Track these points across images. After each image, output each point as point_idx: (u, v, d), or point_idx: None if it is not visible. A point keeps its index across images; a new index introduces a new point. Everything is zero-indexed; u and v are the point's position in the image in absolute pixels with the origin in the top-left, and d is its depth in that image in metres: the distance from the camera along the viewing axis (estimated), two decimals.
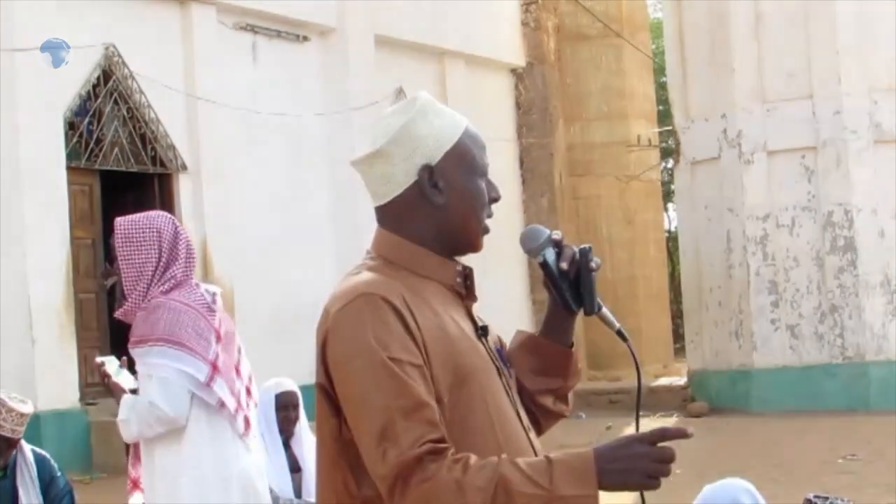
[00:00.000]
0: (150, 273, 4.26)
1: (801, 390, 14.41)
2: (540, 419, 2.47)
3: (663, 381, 18.17)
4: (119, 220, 4.35)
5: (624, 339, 2.36)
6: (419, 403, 2.10)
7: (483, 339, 2.34)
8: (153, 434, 4.21)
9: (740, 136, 14.89)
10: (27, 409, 5.16)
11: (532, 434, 2.33)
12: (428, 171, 2.28)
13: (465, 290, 2.35)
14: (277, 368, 11.67)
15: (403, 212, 2.31)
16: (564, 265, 2.33)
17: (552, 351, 2.44)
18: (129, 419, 4.20)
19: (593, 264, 2.33)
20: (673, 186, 20.28)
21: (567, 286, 2.34)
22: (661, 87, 22.20)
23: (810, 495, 4.10)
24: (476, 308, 2.40)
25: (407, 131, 2.32)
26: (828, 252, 14.53)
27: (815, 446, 11.69)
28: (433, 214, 2.30)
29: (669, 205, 26.21)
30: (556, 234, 2.36)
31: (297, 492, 6.21)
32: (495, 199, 2.36)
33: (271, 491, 6.06)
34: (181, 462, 4.23)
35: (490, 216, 2.36)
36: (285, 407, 6.18)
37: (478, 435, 2.19)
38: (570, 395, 2.54)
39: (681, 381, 16.98)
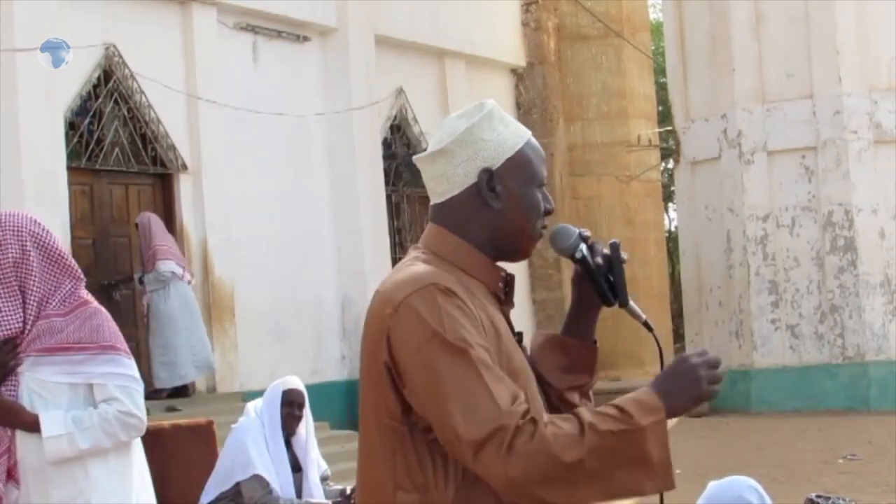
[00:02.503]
0: (12, 279, 3.86)
1: (801, 390, 14.42)
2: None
3: None
4: None
5: (650, 329, 2.47)
6: (502, 375, 2.21)
7: (521, 345, 2.43)
8: (112, 446, 3.91)
9: (740, 136, 14.90)
10: None
11: None
12: (487, 175, 2.36)
13: (504, 296, 2.43)
14: (278, 369, 11.69)
15: (460, 212, 2.37)
16: (599, 260, 2.43)
17: (579, 348, 2.52)
18: (74, 434, 3.84)
19: (623, 257, 2.43)
20: (673, 186, 20.28)
21: (606, 280, 2.44)
22: (661, 87, 22.20)
23: (812, 495, 4.12)
24: None
25: (471, 134, 2.38)
26: (828, 252, 14.54)
27: (815, 446, 11.69)
28: (488, 217, 2.37)
29: (669, 205, 26.21)
30: (586, 232, 2.45)
31: (298, 492, 6.21)
32: (549, 212, 2.43)
33: (272, 491, 6.07)
34: (132, 479, 4.00)
35: (544, 227, 2.44)
36: (290, 404, 6.20)
37: None
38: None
39: None
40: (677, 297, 20.10)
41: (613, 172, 20.18)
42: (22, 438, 3.87)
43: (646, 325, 2.47)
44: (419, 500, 2.25)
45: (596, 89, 20.54)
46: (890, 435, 11.61)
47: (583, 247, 2.44)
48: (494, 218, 2.37)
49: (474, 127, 2.38)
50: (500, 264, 2.44)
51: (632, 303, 2.46)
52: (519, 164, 2.38)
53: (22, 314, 3.86)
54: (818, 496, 4.11)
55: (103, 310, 4.00)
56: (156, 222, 11.94)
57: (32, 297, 3.87)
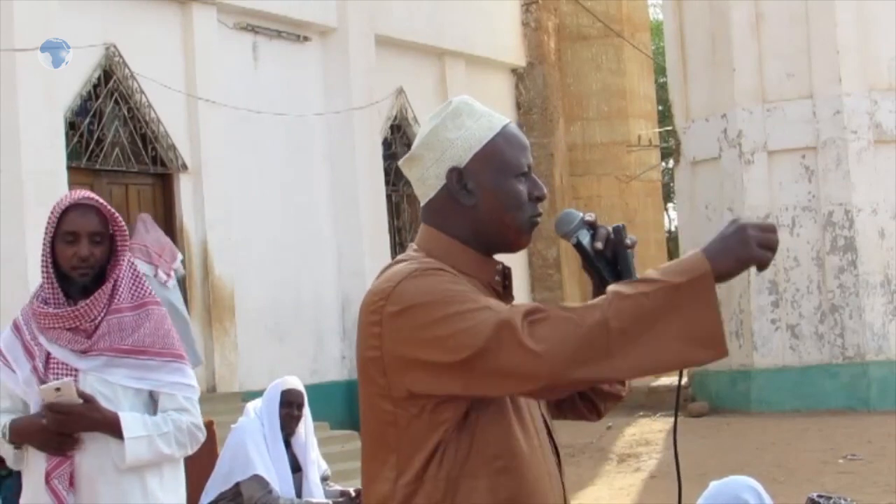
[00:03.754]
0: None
1: (801, 390, 14.41)
2: (596, 401, 2.54)
3: (663, 380, 18.16)
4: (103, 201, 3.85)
5: None
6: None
7: None
8: (179, 456, 3.74)
9: (740, 136, 14.90)
10: None
11: (555, 436, 2.41)
12: (456, 174, 2.35)
13: (503, 289, 2.41)
14: (278, 369, 11.69)
15: (441, 211, 2.38)
16: (599, 245, 2.37)
17: None
18: (153, 437, 3.63)
19: (628, 241, 2.37)
20: (673, 186, 20.28)
21: (604, 265, 2.39)
22: (661, 87, 22.20)
23: (813, 495, 4.12)
24: None
25: (436, 135, 2.38)
26: (828, 252, 14.53)
27: (815, 446, 11.69)
28: (466, 214, 2.36)
29: (669, 205, 26.21)
30: (590, 216, 2.41)
31: (298, 492, 6.21)
32: (539, 198, 2.39)
33: (272, 491, 6.07)
34: (183, 493, 3.85)
35: (536, 214, 2.39)
36: (289, 404, 6.20)
37: (492, 425, 2.26)
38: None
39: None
40: None
41: (613, 172, 20.18)
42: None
43: None
44: (413, 490, 2.26)
45: (596, 89, 20.55)
46: (890, 435, 11.60)
47: (581, 233, 2.40)
48: (472, 214, 2.36)
49: (439, 127, 2.38)
50: (501, 256, 2.43)
51: None
52: (488, 158, 2.36)
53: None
54: (819, 496, 4.11)
55: (165, 311, 3.83)
56: (141, 222, 11.88)
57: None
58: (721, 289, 14.71)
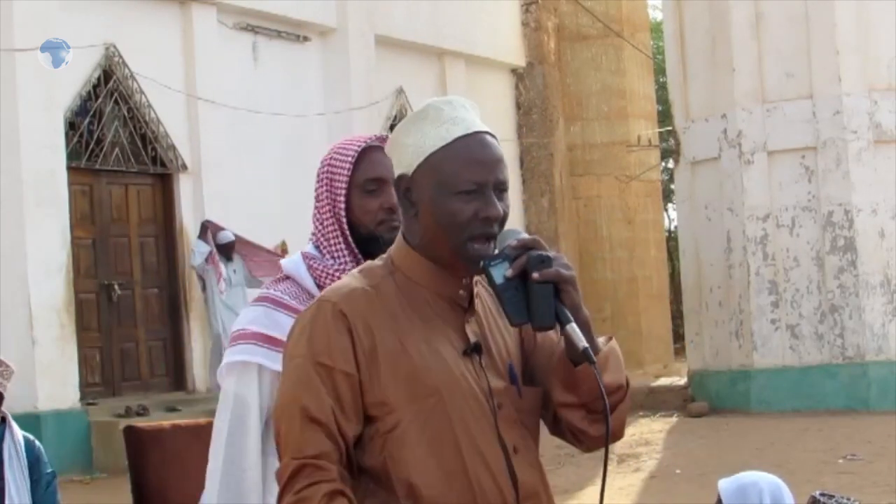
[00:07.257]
0: None
1: (801, 390, 14.40)
2: (577, 435, 2.31)
3: (663, 381, 18.18)
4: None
5: (590, 361, 2.15)
6: (325, 413, 2.14)
7: (472, 357, 2.24)
8: None
9: (740, 136, 14.89)
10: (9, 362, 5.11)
11: (520, 457, 2.24)
12: (405, 181, 2.23)
13: (467, 304, 2.26)
14: None
15: (402, 219, 2.29)
16: (509, 272, 2.16)
17: (561, 362, 2.27)
18: None
19: (535, 275, 2.14)
20: (673, 186, 20.28)
21: (509, 299, 2.16)
22: (661, 87, 22.20)
23: (816, 493, 4.13)
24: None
25: (396, 138, 2.27)
26: (828, 252, 14.52)
27: (815, 446, 11.68)
28: (413, 225, 2.24)
29: (669, 205, 26.21)
30: (517, 241, 2.20)
31: None
32: (489, 219, 2.19)
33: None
34: None
35: (486, 236, 2.19)
36: None
37: (435, 446, 2.17)
38: (619, 418, 2.29)
39: (681, 381, 16.98)
40: (677, 297, 20.10)
41: (613, 172, 20.17)
42: None
43: (584, 353, 2.14)
44: None
45: (596, 89, 20.55)
46: (890, 435, 11.60)
47: (497, 259, 2.16)
48: (416, 225, 2.22)
49: (398, 130, 2.26)
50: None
51: (571, 326, 2.14)
52: (430, 170, 2.18)
53: None
54: (822, 494, 4.12)
55: None
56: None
57: None
58: (721, 289, 14.69)
